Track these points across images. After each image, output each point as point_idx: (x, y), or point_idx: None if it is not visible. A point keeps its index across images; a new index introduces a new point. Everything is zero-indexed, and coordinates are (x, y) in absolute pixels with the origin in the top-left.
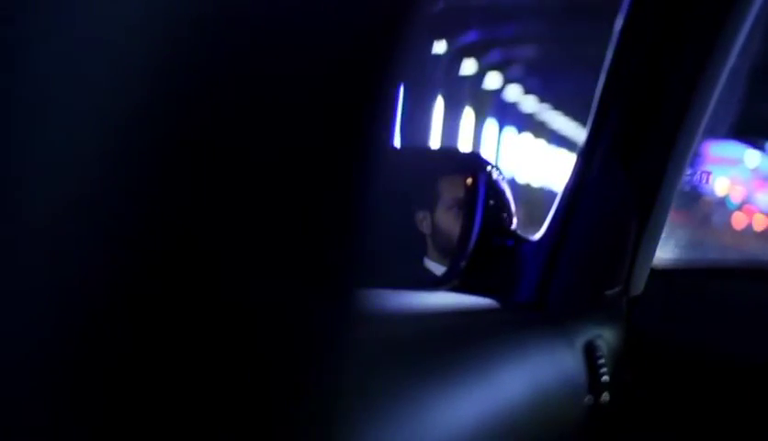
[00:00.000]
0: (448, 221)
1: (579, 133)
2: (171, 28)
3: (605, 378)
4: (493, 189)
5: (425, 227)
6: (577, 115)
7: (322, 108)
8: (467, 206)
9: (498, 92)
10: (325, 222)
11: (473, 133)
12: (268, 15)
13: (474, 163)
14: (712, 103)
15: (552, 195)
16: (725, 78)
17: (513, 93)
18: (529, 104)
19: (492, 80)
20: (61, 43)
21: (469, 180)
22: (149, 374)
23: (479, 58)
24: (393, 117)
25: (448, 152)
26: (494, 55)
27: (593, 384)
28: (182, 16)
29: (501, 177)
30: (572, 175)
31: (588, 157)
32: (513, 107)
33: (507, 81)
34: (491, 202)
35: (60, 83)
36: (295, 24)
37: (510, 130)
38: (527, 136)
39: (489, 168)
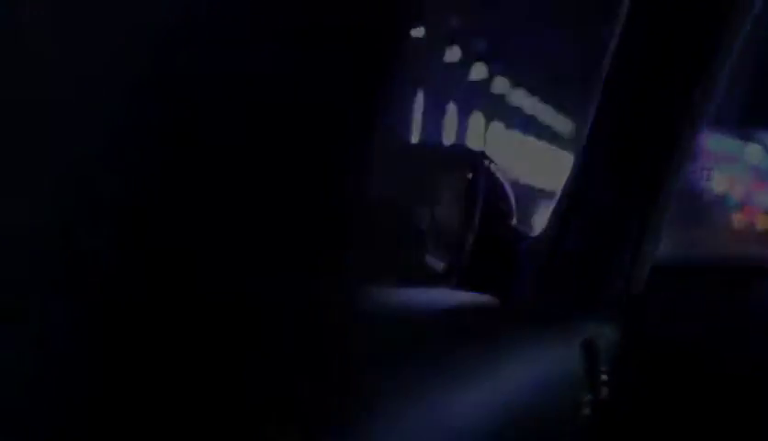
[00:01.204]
0: (448, 217)
1: (551, 115)
2: (171, 30)
3: (604, 376)
4: (493, 185)
5: (424, 223)
6: (548, 89)
7: (319, 106)
8: (466, 202)
9: (432, 54)
10: (323, 220)
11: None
12: (267, 14)
13: (474, 159)
14: (715, 98)
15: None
16: (728, 72)
17: (454, 55)
18: (479, 72)
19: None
20: (58, 47)
21: (469, 176)
22: (151, 369)
23: None
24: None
25: (449, 147)
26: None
27: (592, 383)
28: (182, 17)
29: (501, 174)
30: (572, 170)
31: (588, 152)
32: (456, 75)
33: (445, 41)
34: (491, 198)
35: (56, 84)
36: (291, 23)
37: (451, 109)
38: (477, 117)
39: (489, 164)
